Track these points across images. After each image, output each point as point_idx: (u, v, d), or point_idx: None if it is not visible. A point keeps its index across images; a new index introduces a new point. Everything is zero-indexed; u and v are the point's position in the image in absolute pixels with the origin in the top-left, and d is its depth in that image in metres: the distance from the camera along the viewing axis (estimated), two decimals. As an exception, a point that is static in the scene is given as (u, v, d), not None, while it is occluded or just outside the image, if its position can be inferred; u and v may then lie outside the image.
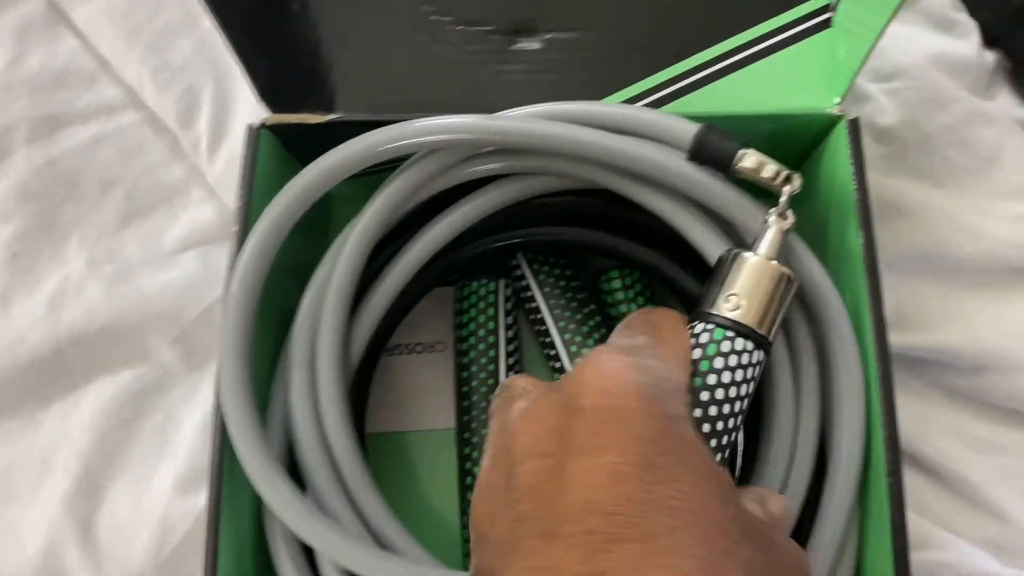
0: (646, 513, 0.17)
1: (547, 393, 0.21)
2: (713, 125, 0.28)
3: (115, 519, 0.34)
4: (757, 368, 0.23)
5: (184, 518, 0.33)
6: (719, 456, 0.22)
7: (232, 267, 0.28)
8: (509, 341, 0.35)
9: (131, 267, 0.37)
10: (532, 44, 0.32)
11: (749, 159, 0.27)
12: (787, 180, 0.27)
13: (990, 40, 0.41)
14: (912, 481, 0.35)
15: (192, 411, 0.36)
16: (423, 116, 0.29)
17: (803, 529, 0.28)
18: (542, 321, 0.34)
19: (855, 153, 0.30)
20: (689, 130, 0.28)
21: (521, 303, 0.36)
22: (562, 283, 0.35)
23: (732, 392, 0.22)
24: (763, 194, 0.28)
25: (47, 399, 0.36)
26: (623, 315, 0.35)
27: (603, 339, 0.34)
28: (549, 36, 0.32)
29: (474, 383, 0.34)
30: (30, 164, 0.39)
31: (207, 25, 0.41)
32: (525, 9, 0.32)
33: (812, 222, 0.33)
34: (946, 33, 0.40)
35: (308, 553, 0.28)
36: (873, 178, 0.31)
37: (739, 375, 0.23)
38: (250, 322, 0.28)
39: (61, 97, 0.40)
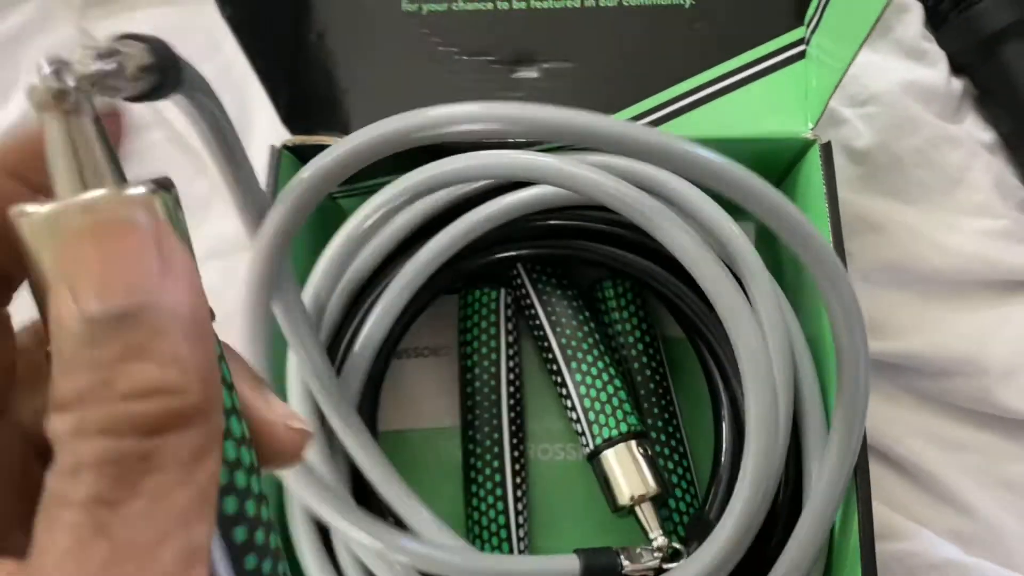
0: None
1: None
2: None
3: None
4: None
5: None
6: None
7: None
8: (509, 346, 0.37)
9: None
10: (531, 73, 0.35)
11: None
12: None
13: (957, 69, 0.43)
14: (883, 477, 0.37)
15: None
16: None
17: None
18: (541, 327, 0.37)
19: (827, 174, 0.33)
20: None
21: (521, 310, 0.38)
22: (559, 292, 0.37)
23: None
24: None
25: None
26: (615, 322, 0.38)
27: (596, 344, 0.36)
28: (546, 66, 0.35)
29: (477, 384, 0.37)
30: (63, 180, 0.42)
31: (228, 52, 0.44)
32: (524, 42, 0.35)
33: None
34: (917, 62, 0.43)
35: (323, 533, 0.31)
36: (848, 196, 0.34)
37: None
38: (267, 311, 0.28)
39: (92, 117, 0.43)
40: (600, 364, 0.35)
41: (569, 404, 0.35)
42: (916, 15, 0.43)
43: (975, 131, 0.42)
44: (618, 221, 0.34)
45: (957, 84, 0.43)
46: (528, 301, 0.38)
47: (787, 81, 0.34)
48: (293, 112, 0.34)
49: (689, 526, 0.34)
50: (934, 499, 0.36)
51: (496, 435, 0.36)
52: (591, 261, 0.36)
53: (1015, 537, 0.35)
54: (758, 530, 0.30)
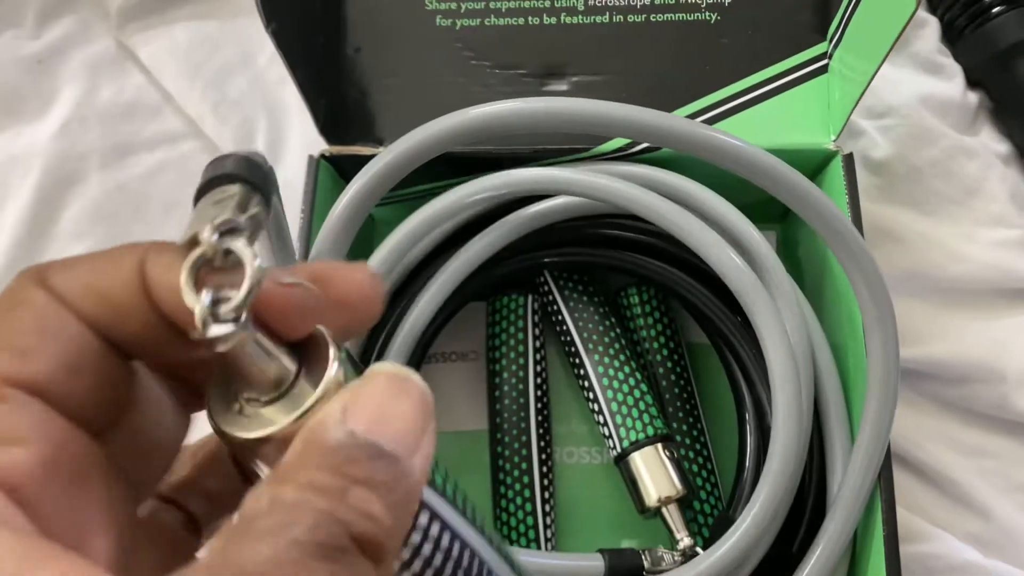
0: None
1: None
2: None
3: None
4: None
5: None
6: None
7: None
8: (536, 350, 0.38)
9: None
10: (561, 86, 0.36)
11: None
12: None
13: (973, 82, 0.44)
14: (903, 481, 0.38)
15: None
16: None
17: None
18: (568, 332, 0.38)
19: (849, 184, 0.34)
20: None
21: (548, 316, 0.39)
22: (585, 298, 0.38)
23: None
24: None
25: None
26: (640, 328, 0.38)
27: (623, 349, 0.37)
28: (575, 79, 0.36)
29: (505, 388, 0.38)
30: (102, 188, 0.43)
31: (261, 64, 0.45)
32: (555, 55, 0.36)
33: (815, 246, 0.37)
34: (933, 76, 0.44)
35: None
36: (867, 206, 0.35)
37: None
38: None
39: (129, 128, 0.44)
40: (627, 369, 0.36)
41: (596, 408, 0.36)
42: (932, 30, 0.45)
43: (991, 143, 0.43)
44: (644, 229, 0.35)
45: (973, 97, 0.44)
46: (555, 307, 0.38)
47: (810, 94, 0.35)
48: (330, 123, 0.35)
49: (714, 527, 0.35)
50: (953, 503, 0.37)
51: (524, 438, 0.37)
52: (617, 268, 0.37)
53: (1033, 540, 0.36)
54: (780, 527, 0.31)
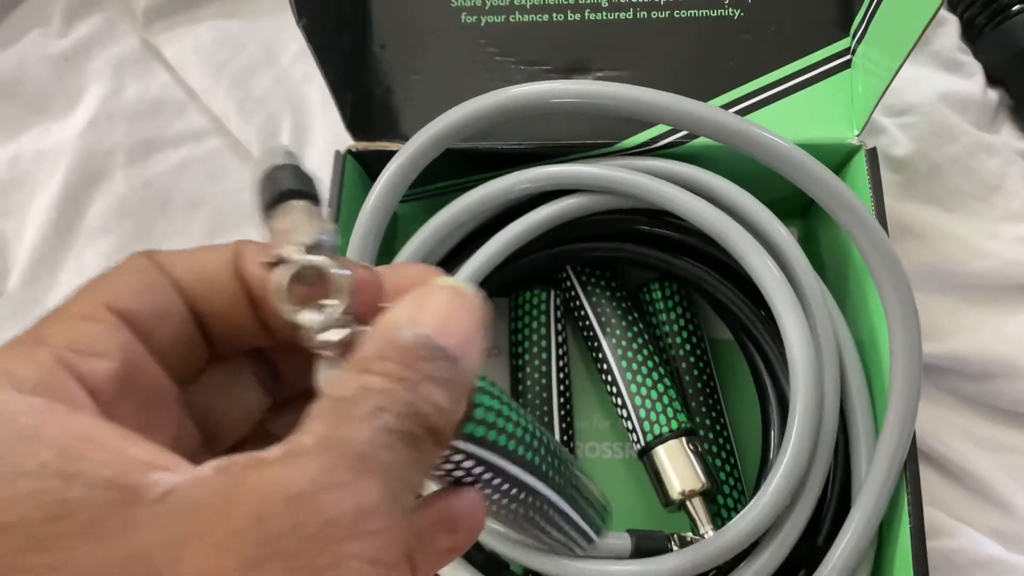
0: None
1: None
2: None
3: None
4: None
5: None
6: None
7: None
8: (559, 346, 0.39)
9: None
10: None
11: None
12: None
13: (993, 80, 0.44)
14: (925, 476, 0.38)
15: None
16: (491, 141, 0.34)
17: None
18: (591, 327, 0.38)
19: (873, 179, 0.34)
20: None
21: (570, 311, 0.40)
22: (608, 293, 0.38)
23: None
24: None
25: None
26: (663, 323, 0.39)
27: (646, 344, 0.37)
28: (600, 74, 0.36)
29: (528, 383, 0.38)
30: (127, 185, 0.43)
31: (285, 61, 0.46)
32: (579, 52, 0.36)
33: (836, 242, 0.37)
34: (953, 73, 0.44)
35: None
36: (888, 203, 0.35)
37: None
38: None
39: (154, 125, 0.45)
40: (650, 363, 0.37)
41: (619, 402, 0.37)
42: (952, 28, 0.45)
43: (1011, 140, 0.43)
44: (667, 224, 0.36)
45: (993, 95, 0.44)
46: (578, 303, 0.39)
47: (833, 90, 0.35)
48: (356, 119, 0.36)
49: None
50: (975, 498, 0.37)
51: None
52: (640, 263, 0.37)
53: (1056, 536, 0.36)
54: (806, 522, 0.31)
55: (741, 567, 0.31)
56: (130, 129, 0.44)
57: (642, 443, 0.35)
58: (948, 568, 0.35)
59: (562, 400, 0.38)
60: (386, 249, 0.40)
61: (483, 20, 0.36)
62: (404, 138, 0.36)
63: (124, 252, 0.42)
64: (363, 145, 0.36)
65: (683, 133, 0.34)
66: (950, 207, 0.41)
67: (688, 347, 0.38)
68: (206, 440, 0.18)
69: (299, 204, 0.16)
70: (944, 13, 0.45)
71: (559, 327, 0.39)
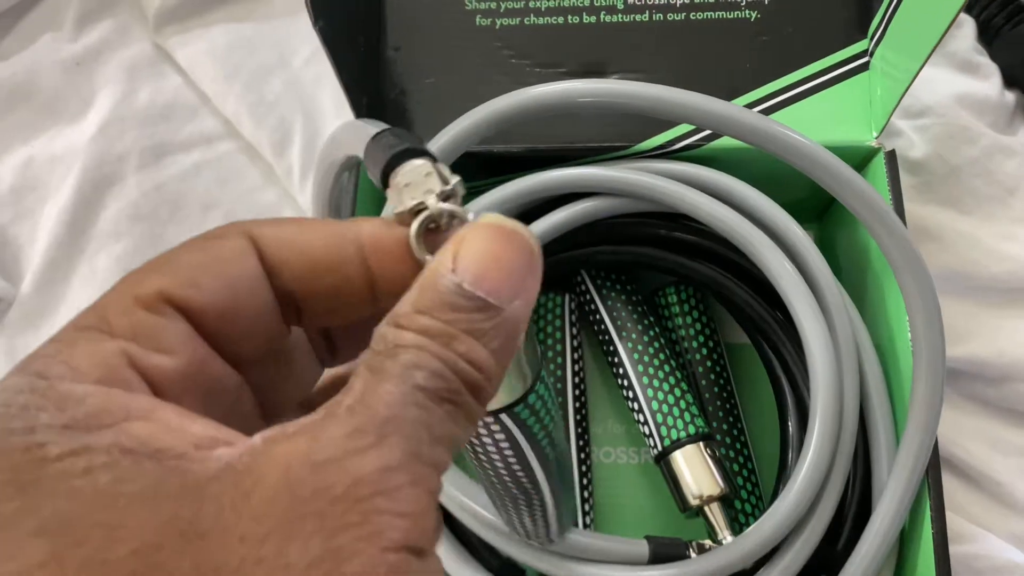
0: None
1: None
2: None
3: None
4: None
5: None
6: None
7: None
8: (574, 349, 0.38)
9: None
10: (601, 84, 0.36)
11: None
12: None
13: (1010, 81, 0.44)
14: (944, 481, 0.37)
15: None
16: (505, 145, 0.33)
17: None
18: (606, 331, 0.38)
19: (892, 181, 0.34)
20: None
21: (585, 315, 0.39)
22: (623, 297, 0.38)
23: None
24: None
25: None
26: (679, 327, 0.38)
27: (662, 348, 0.37)
28: (616, 76, 0.36)
29: (543, 387, 0.38)
30: (139, 188, 0.43)
31: (297, 65, 0.46)
32: (595, 54, 0.36)
33: (853, 246, 0.37)
34: (970, 75, 0.44)
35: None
36: (906, 206, 0.35)
37: None
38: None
39: (167, 128, 0.45)
40: (666, 368, 0.36)
41: (636, 407, 0.36)
42: (968, 30, 0.44)
43: (1029, 142, 0.43)
44: (683, 227, 0.35)
45: (1010, 97, 0.43)
46: (593, 307, 0.38)
47: (851, 92, 0.35)
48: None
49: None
50: (995, 503, 0.37)
51: (563, 437, 0.37)
52: (656, 267, 0.37)
53: (1077, 541, 0.36)
54: (826, 527, 0.31)
55: (760, 573, 0.31)
56: (142, 133, 0.44)
57: (659, 448, 0.35)
58: (968, 574, 0.34)
59: (577, 405, 0.38)
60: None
61: (498, 22, 0.36)
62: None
63: (137, 256, 0.42)
64: (378, 148, 0.35)
65: (699, 136, 0.34)
66: (967, 210, 0.41)
67: (704, 351, 0.38)
68: (263, 411, 0.17)
69: (417, 161, 0.16)
70: (960, 15, 0.45)
71: (574, 331, 0.39)
